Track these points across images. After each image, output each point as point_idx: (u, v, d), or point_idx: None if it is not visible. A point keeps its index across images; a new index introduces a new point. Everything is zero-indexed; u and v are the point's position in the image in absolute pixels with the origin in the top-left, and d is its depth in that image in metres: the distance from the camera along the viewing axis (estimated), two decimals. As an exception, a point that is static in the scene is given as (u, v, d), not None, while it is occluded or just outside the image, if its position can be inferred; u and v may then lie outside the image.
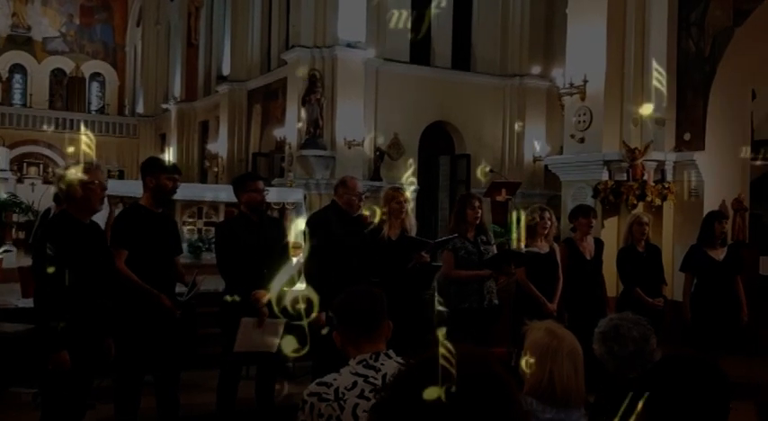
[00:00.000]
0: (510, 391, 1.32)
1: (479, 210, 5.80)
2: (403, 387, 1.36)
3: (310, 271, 5.46)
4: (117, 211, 8.86)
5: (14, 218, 9.33)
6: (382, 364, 2.45)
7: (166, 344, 4.64)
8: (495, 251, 6.03)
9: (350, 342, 2.54)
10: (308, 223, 5.76)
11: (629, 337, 2.98)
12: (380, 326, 2.54)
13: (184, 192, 10.55)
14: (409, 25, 16.79)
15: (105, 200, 4.35)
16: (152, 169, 4.81)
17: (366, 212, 6.29)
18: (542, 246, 6.09)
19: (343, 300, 2.60)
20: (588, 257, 6.41)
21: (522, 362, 2.70)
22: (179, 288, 4.93)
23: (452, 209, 6.26)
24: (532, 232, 6.07)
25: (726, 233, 6.57)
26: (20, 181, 21.31)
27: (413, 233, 5.65)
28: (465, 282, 5.72)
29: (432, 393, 1.29)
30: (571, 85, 9.09)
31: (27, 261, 8.08)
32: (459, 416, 1.25)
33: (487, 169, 14.83)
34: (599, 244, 6.58)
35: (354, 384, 2.39)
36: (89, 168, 4.03)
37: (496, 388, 1.31)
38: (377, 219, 5.68)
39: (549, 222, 6.10)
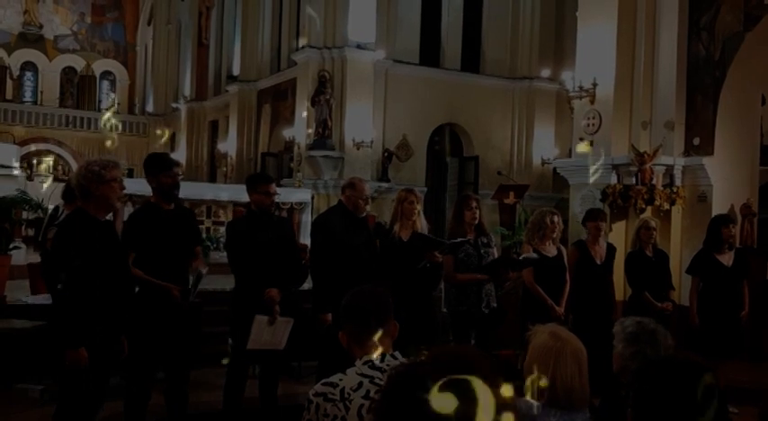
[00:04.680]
0: (500, 394, 1.33)
1: (477, 211, 5.79)
2: (394, 390, 1.38)
3: (316, 271, 5.49)
4: (125, 209, 8.93)
5: (24, 215, 9.38)
6: (388, 365, 2.46)
7: (176, 342, 4.67)
8: (496, 253, 6.03)
9: (356, 342, 2.55)
10: (318, 224, 5.79)
11: (664, 345, 2.99)
12: (386, 327, 2.55)
13: (192, 191, 10.63)
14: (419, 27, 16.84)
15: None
16: (150, 169, 4.83)
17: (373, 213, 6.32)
18: (550, 250, 6.09)
19: (350, 300, 2.60)
20: (598, 262, 6.41)
21: (526, 365, 2.72)
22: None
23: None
24: (540, 235, 6.07)
25: (734, 237, 6.56)
26: (30, 178, 21.38)
27: None
28: (464, 285, 5.73)
29: (421, 396, 1.30)
30: (580, 88, 9.07)
31: (36, 258, 8.13)
32: (447, 417, 1.27)
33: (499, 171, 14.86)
34: (611, 249, 6.58)
35: (360, 385, 2.40)
36: (109, 165, 4.06)
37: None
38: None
39: (557, 225, 6.10)
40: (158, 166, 4.82)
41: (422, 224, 5.56)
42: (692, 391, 1.82)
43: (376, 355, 2.47)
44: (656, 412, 1.84)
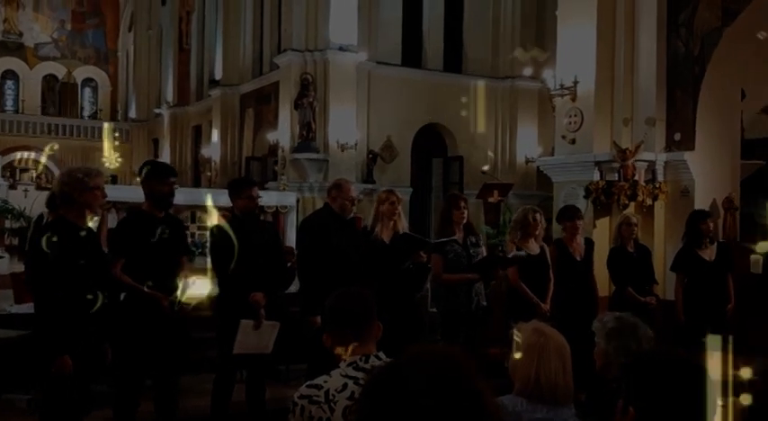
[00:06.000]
0: (478, 394, 1.34)
1: (465, 211, 5.81)
2: (373, 391, 1.39)
3: (304, 273, 5.48)
4: (109, 216, 8.90)
5: (7, 224, 9.33)
6: (372, 366, 2.47)
7: (165, 349, 4.65)
8: (485, 253, 6.04)
9: (340, 344, 2.56)
10: (305, 227, 5.77)
11: (644, 337, 3.01)
12: (370, 328, 2.56)
13: (177, 196, 10.57)
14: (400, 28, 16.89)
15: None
16: (146, 177, 4.82)
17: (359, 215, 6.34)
18: (533, 248, 6.11)
19: (333, 301, 2.62)
20: (578, 258, 6.43)
21: (510, 362, 2.73)
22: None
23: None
24: (524, 233, 6.08)
25: (713, 231, 6.60)
26: (13, 187, 21.23)
27: None
28: (453, 284, 5.73)
29: (400, 397, 1.31)
30: (562, 86, 9.12)
31: (20, 267, 8.07)
32: (427, 417, 1.28)
33: (486, 168, 14.91)
34: (589, 244, 6.61)
35: (345, 386, 2.41)
36: (92, 173, 4.05)
37: (464, 390, 1.33)
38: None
39: (539, 223, 6.11)
40: (156, 174, 4.81)
41: (403, 225, 5.57)
42: (687, 384, 1.84)
43: (360, 356, 2.48)
44: (652, 405, 1.86)
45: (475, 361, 1.46)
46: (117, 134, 26.05)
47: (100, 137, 29.92)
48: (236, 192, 5.27)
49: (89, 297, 3.87)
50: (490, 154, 16.86)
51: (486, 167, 15.06)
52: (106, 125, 24.09)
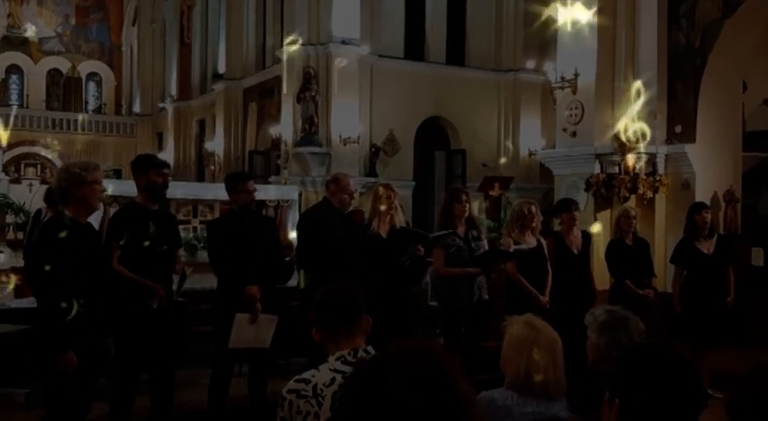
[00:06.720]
0: (456, 389, 1.34)
1: (467, 204, 5.79)
2: (352, 387, 1.39)
3: (303, 267, 5.48)
4: (112, 211, 8.91)
5: (8, 219, 9.35)
6: (360, 360, 2.47)
7: (161, 343, 4.66)
8: (487, 246, 6.02)
9: (329, 338, 2.56)
10: (304, 221, 5.75)
11: (635, 330, 3.00)
12: (359, 322, 2.56)
13: (179, 190, 10.61)
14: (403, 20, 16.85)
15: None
16: (140, 168, 4.84)
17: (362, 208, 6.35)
18: (530, 241, 6.08)
19: (321, 295, 2.62)
20: (576, 251, 6.41)
21: (502, 356, 2.73)
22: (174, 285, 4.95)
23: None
24: (520, 225, 6.05)
25: (708, 223, 6.55)
26: (17, 181, 21.32)
27: None
28: (455, 278, 5.72)
29: (378, 392, 1.31)
30: (562, 78, 9.09)
31: (20, 262, 8.10)
32: (403, 415, 1.28)
33: (503, 160, 14.82)
34: (586, 237, 6.59)
35: (332, 380, 2.41)
36: (90, 167, 4.04)
37: (442, 386, 1.33)
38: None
39: (535, 216, 6.08)
40: (149, 165, 4.85)
41: (400, 219, 5.57)
42: (674, 377, 1.84)
43: (348, 351, 2.48)
44: (639, 398, 1.86)
45: (456, 355, 1.46)
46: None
47: (104, 131, 30.00)
48: (232, 187, 5.27)
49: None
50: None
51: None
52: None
